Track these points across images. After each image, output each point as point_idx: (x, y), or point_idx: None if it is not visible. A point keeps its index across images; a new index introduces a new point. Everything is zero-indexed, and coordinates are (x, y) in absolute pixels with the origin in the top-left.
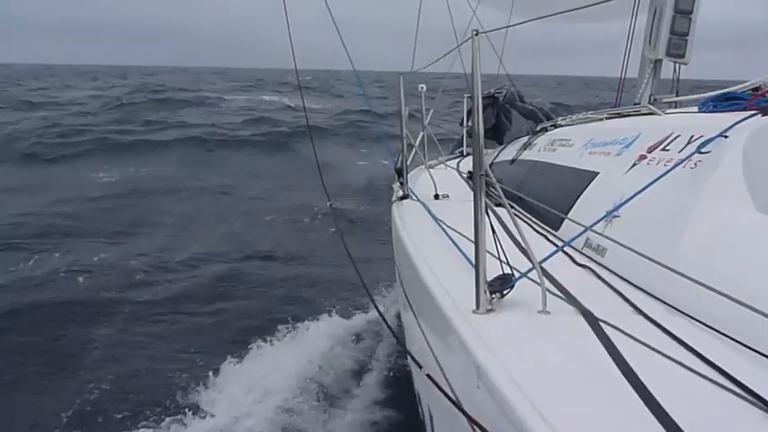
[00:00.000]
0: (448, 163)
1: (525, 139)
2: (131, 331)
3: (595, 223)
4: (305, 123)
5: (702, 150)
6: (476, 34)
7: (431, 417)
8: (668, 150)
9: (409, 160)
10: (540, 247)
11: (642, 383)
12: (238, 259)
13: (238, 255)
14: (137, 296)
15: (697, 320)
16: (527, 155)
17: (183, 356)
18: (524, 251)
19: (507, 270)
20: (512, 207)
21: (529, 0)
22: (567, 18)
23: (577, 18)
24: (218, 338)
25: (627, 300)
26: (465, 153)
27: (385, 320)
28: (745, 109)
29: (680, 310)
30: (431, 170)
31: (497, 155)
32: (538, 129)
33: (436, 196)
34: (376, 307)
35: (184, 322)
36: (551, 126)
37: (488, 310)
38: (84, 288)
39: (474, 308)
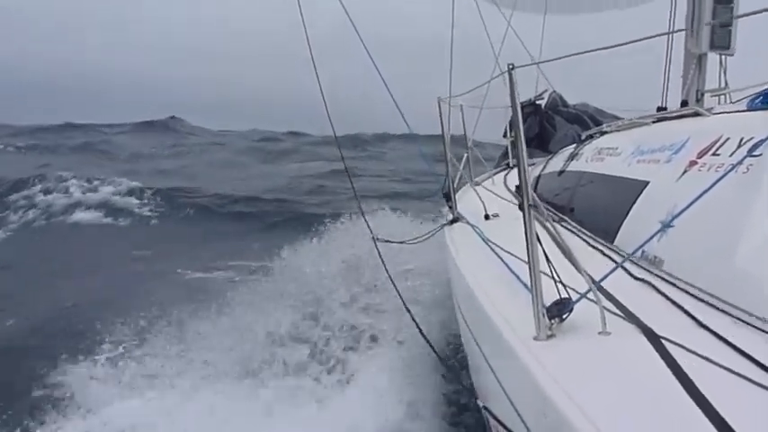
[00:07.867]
0: (495, 177)
1: (572, 148)
2: None
3: (651, 237)
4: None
5: (754, 154)
6: (512, 68)
7: None
8: (719, 155)
9: (456, 182)
10: (595, 261)
11: (708, 402)
12: None
13: None
14: None
15: (760, 330)
16: (574, 165)
17: None
18: (580, 270)
19: (564, 291)
20: (564, 221)
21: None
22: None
23: None
24: None
25: (687, 313)
26: (511, 165)
27: (433, 349)
28: None
29: (741, 320)
30: (479, 188)
31: (545, 166)
32: (583, 137)
33: (486, 216)
34: (424, 337)
35: None
36: (597, 133)
37: (549, 336)
38: None
39: (534, 334)
